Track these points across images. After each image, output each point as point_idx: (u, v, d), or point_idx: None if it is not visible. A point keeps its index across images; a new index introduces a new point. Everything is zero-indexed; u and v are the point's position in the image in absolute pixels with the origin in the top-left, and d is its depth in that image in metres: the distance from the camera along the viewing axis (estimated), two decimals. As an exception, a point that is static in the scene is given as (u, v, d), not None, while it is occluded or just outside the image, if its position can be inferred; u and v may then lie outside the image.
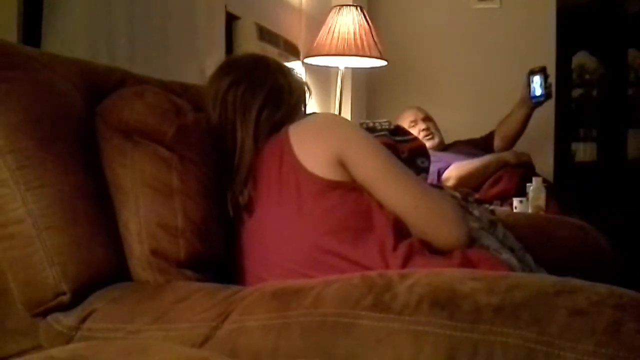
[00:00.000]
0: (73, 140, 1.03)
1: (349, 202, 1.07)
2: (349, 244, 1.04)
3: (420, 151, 1.70)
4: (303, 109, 1.28)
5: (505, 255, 1.17)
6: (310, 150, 1.09)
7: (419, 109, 3.02)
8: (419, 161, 1.67)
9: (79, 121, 1.06)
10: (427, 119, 2.98)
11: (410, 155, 1.67)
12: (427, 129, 2.93)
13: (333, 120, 1.18)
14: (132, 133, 1.04)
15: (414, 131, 2.88)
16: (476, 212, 1.31)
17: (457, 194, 1.35)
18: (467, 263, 1.04)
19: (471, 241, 1.16)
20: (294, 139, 1.10)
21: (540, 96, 2.79)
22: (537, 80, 2.78)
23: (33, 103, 0.99)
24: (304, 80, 1.32)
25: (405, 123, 2.91)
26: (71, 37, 1.59)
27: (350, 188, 1.09)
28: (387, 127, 1.70)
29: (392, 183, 1.10)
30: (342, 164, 1.08)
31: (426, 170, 1.67)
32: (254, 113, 1.16)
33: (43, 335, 0.97)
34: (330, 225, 1.06)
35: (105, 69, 1.24)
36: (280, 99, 1.20)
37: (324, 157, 1.08)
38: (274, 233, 1.09)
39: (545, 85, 2.77)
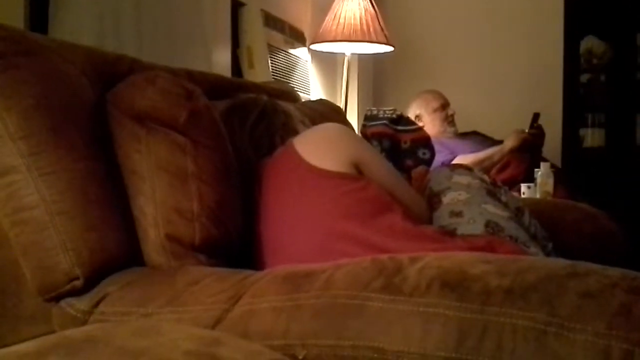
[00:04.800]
0: (84, 126, 1.04)
1: (356, 190, 1.11)
2: (359, 224, 1.07)
3: (423, 142, 1.69)
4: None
5: (533, 249, 1.18)
6: (321, 155, 1.13)
7: (440, 92, 2.92)
8: (420, 152, 1.67)
9: (89, 107, 1.06)
10: None
11: (412, 146, 1.67)
12: (453, 114, 2.86)
13: (342, 132, 1.20)
14: (145, 119, 1.04)
15: (442, 115, 2.81)
16: (504, 198, 1.30)
17: (487, 178, 1.34)
18: (489, 249, 1.05)
19: (497, 230, 1.16)
20: (300, 147, 1.15)
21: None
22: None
23: (44, 89, 1.00)
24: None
25: (430, 106, 2.82)
26: (78, 25, 1.60)
27: (356, 178, 1.13)
28: (389, 115, 1.69)
29: (397, 187, 1.22)
30: (357, 166, 1.15)
31: (427, 162, 1.67)
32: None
33: (56, 320, 0.98)
34: (338, 210, 1.09)
35: (114, 57, 1.24)
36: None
37: (338, 160, 1.13)
38: (286, 227, 1.12)
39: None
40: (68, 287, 0.97)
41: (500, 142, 2.89)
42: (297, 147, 1.15)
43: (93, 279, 0.98)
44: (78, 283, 0.97)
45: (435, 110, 2.82)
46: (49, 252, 0.96)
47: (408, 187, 1.31)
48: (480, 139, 2.93)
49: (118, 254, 1.01)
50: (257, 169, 1.21)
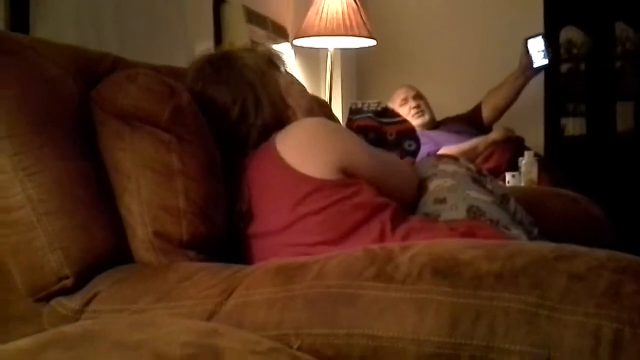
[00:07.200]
0: (68, 125, 1.03)
1: (344, 199, 1.08)
2: (343, 243, 1.05)
3: (408, 134, 1.70)
4: (292, 84, 1.29)
5: (515, 232, 1.18)
6: (306, 161, 1.09)
7: (410, 86, 3.02)
8: (406, 144, 1.67)
9: (72, 106, 1.05)
10: (417, 96, 2.99)
11: (397, 138, 1.67)
12: (417, 106, 2.94)
13: (324, 131, 1.15)
14: (128, 117, 1.03)
15: (405, 109, 2.88)
16: (489, 186, 1.32)
17: (472, 167, 1.36)
18: (469, 234, 1.06)
19: (479, 214, 1.17)
20: (283, 150, 1.10)
21: (543, 62, 2.71)
22: (536, 47, 2.73)
23: (26, 89, 0.99)
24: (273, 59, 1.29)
25: (396, 102, 2.92)
26: (59, 24, 1.58)
27: (343, 185, 1.09)
28: (374, 108, 1.70)
29: (387, 176, 1.19)
30: (343, 169, 1.10)
31: (413, 153, 1.67)
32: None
33: (47, 320, 0.97)
34: (323, 222, 1.07)
35: (96, 55, 1.23)
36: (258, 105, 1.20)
37: (324, 166, 1.09)
38: (270, 237, 1.10)
39: (547, 51, 2.72)
40: (58, 286, 0.96)
41: (470, 114, 2.95)
42: (280, 149, 1.11)
43: (83, 278, 0.97)
44: (68, 282, 0.96)
45: (400, 107, 2.89)
46: (38, 253, 0.95)
47: (398, 167, 1.28)
48: (452, 125, 2.98)
49: (107, 252, 1.00)
50: (240, 164, 1.18)
